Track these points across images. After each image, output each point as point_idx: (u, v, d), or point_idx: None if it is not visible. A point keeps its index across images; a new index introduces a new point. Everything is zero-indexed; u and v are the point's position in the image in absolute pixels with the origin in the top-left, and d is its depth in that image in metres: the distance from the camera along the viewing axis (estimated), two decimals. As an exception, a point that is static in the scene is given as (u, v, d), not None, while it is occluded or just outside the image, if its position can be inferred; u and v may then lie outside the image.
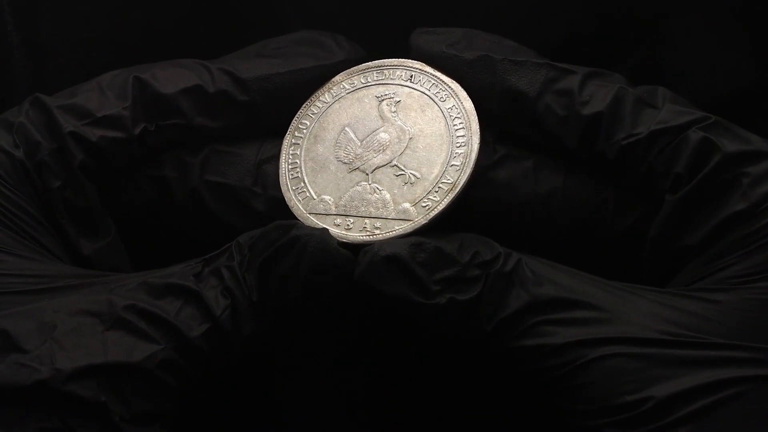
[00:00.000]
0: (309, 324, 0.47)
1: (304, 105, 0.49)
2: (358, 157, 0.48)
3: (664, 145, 0.45)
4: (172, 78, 0.48)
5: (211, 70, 0.48)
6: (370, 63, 0.49)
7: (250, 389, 0.53)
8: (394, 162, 0.47)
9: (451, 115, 0.47)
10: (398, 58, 0.49)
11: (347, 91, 0.49)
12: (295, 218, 0.47)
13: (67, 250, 0.46)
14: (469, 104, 0.47)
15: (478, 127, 0.47)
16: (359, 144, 0.48)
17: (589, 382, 0.41)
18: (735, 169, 0.44)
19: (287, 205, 0.47)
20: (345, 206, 0.47)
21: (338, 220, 0.47)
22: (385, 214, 0.46)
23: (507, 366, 0.44)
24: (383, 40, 0.51)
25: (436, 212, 0.46)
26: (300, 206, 0.47)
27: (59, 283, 0.43)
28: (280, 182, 0.48)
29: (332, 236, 0.44)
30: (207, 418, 0.51)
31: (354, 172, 0.47)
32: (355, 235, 0.46)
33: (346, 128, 0.48)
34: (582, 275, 0.44)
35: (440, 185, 0.46)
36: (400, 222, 0.46)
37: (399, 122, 0.48)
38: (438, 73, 0.48)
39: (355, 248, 0.45)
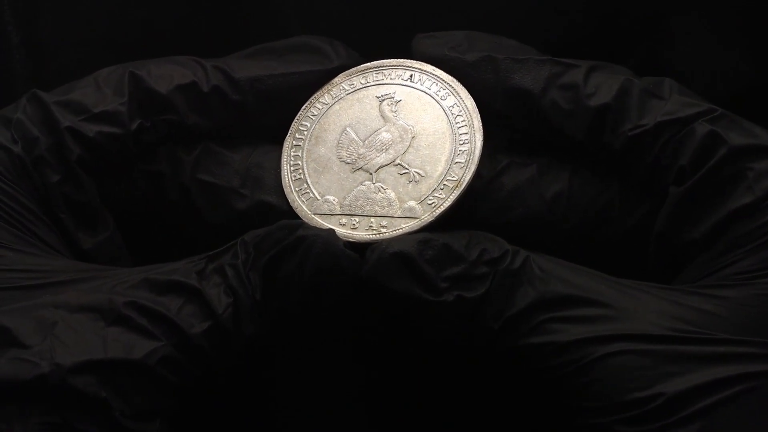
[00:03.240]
0: (312, 324, 0.46)
1: (303, 107, 0.49)
2: (360, 156, 0.48)
3: (669, 137, 0.45)
4: (167, 75, 0.48)
5: (206, 68, 0.48)
6: (369, 64, 0.49)
7: (251, 387, 0.53)
8: (398, 161, 0.47)
9: (453, 113, 0.47)
10: (398, 58, 0.49)
11: (347, 92, 0.49)
12: (299, 219, 0.46)
13: (67, 245, 0.46)
14: (470, 102, 0.47)
15: (481, 124, 0.47)
16: (361, 144, 0.48)
17: (597, 380, 0.41)
18: (740, 163, 0.44)
19: (291, 206, 0.47)
20: (350, 206, 0.47)
21: (343, 220, 0.46)
22: (390, 213, 0.46)
23: (514, 365, 0.44)
24: (383, 41, 0.51)
25: (442, 209, 0.46)
26: (304, 207, 0.47)
27: (60, 278, 0.43)
28: (283, 183, 0.47)
29: (338, 237, 0.44)
30: (207, 414, 0.51)
31: (357, 172, 0.47)
32: (362, 235, 0.46)
33: (348, 129, 0.48)
34: (590, 272, 0.44)
35: (445, 183, 0.46)
36: (407, 220, 0.46)
37: (400, 121, 0.48)
38: (438, 72, 0.48)
39: (362, 247, 0.45)
